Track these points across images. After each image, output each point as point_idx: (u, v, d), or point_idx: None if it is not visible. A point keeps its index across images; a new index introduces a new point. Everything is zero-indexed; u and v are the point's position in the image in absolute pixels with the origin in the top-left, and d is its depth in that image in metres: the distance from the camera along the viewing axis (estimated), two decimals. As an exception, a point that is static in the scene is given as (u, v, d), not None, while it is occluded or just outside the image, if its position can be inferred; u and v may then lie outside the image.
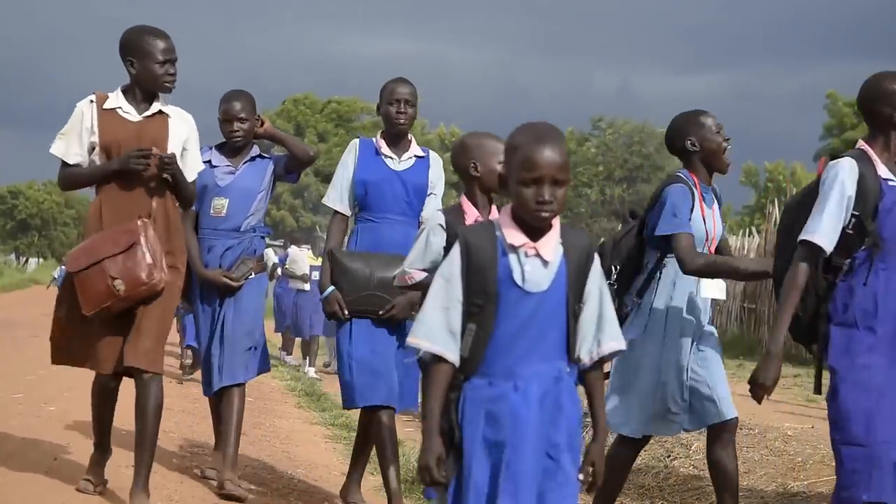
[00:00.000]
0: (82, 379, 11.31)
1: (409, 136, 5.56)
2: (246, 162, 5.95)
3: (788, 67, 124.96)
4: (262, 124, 5.97)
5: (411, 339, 3.08)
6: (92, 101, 5.08)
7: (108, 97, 5.08)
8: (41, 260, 68.03)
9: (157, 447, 5.19)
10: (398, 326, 5.35)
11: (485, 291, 3.05)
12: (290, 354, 16.34)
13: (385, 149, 5.48)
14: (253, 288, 5.90)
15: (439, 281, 3.10)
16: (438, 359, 3.06)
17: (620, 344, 3.20)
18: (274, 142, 6.03)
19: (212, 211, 5.86)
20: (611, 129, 53.48)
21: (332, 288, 5.34)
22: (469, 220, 4.34)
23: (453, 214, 4.38)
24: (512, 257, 3.08)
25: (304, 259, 15.57)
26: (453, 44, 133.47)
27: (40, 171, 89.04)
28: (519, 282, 3.07)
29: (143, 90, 5.07)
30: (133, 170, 4.93)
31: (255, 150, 6.01)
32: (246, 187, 5.90)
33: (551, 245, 3.10)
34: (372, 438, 5.54)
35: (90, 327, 5.01)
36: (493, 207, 4.48)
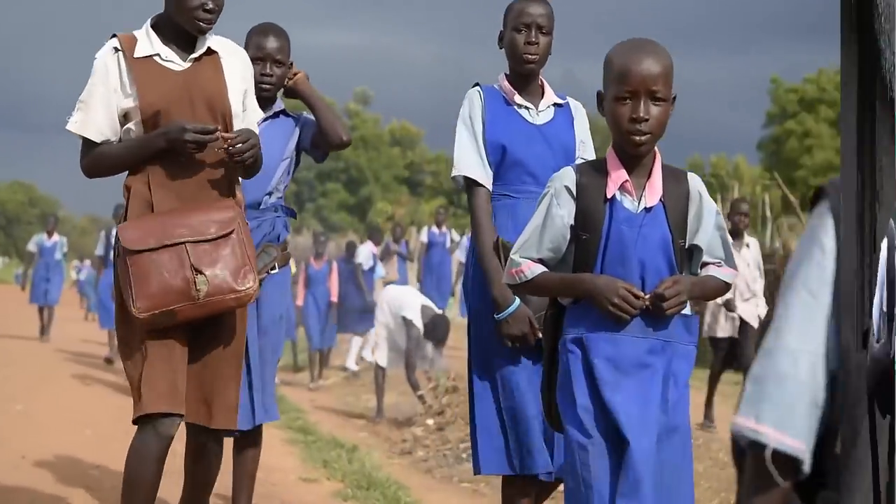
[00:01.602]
0: (50, 376, 11.39)
1: (540, 77, 4.03)
2: (266, 119, 4.41)
3: (726, 55, 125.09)
4: (295, 75, 4.55)
5: (749, 423, 1.62)
6: (117, 49, 3.60)
7: (136, 40, 3.61)
8: (6, 259, 67.52)
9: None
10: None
11: None
12: None
13: (518, 97, 3.94)
14: (277, 288, 4.48)
15: (801, 295, 1.61)
16: (788, 458, 1.60)
17: None
18: (304, 103, 4.60)
19: None
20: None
21: (518, 302, 3.68)
22: (613, 187, 2.93)
23: (590, 175, 2.96)
24: None
25: None
26: (402, 37, 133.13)
27: (3, 171, 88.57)
28: None
29: (174, 24, 3.65)
30: (184, 149, 3.56)
31: (279, 105, 4.55)
32: (265, 152, 4.05)
33: None
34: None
35: (158, 349, 3.53)
36: (657, 163, 2.99)
